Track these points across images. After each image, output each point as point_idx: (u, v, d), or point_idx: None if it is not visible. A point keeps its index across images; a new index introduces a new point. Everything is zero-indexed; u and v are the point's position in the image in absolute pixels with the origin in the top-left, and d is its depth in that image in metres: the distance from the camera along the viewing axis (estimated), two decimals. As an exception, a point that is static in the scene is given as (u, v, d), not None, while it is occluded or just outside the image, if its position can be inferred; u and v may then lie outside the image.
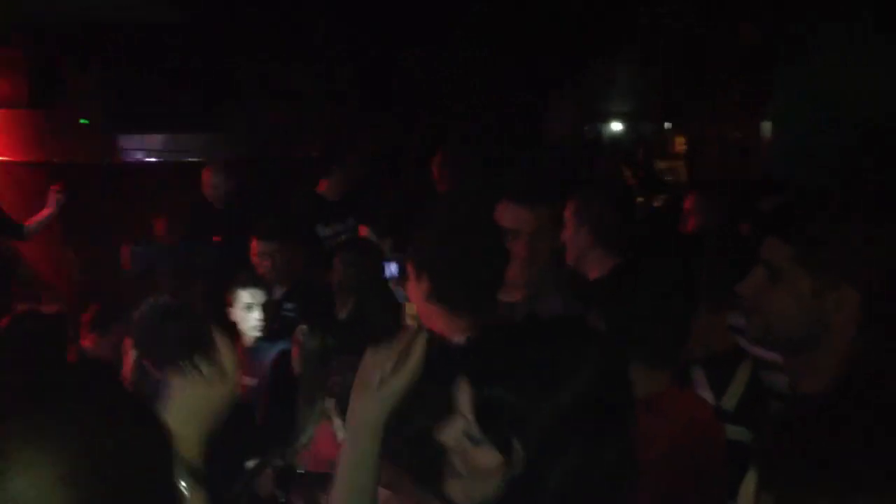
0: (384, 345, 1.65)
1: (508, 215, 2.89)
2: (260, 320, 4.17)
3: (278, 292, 4.47)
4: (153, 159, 7.23)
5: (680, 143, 10.39)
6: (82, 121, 6.66)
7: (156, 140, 7.21)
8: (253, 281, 4.30)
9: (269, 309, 4.21)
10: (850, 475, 0.86)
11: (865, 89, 5.86)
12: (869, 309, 1.71)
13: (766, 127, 7.11)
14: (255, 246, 4.61)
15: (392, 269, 2.77)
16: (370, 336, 2.81)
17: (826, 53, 6.07)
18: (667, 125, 10.79)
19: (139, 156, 7.18)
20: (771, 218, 1.95)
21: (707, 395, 2.39)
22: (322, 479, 2.00)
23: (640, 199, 9.51)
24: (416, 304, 2.36)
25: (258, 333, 4.18)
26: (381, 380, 1.61)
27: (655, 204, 9.47)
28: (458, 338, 2.20)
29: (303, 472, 2.41)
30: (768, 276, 1.76)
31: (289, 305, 4.43)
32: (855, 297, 1.69)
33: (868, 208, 1.82)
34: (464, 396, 1.46)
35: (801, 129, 6.21)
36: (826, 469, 0.88)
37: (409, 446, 1.72)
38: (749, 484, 0.98)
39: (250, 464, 2.45)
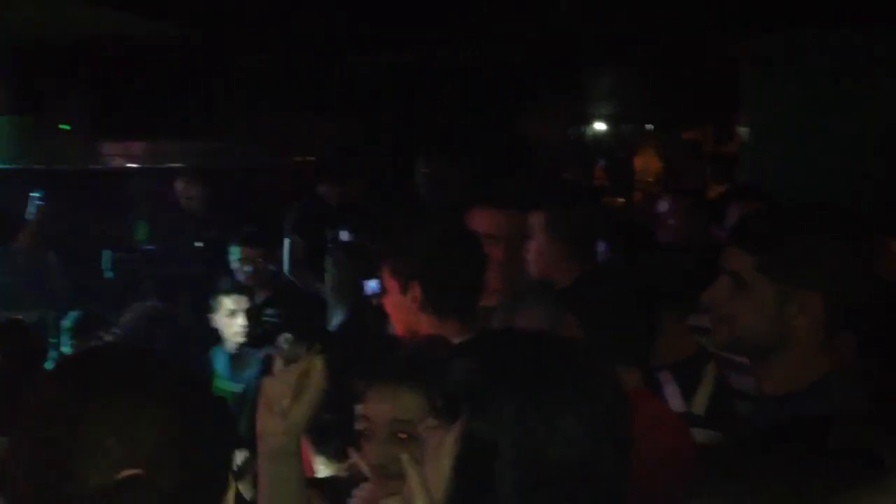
0: (281, 374, 1.62)
1: (485, 220, 2.87)
2: (243, 326, 4.20)
3: (259, 298, 4.49)
4: (135, 165, 7.23)
5: (660, 145, 10.44)
6: (63, 126, 6.66)
7: (138, 146, 7.21)
8: (235, 287, 4.32)
9: (251, 315, 4.24)
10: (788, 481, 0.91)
11: (853, 95, 5.89)
12: (833, 313, 1.75)
13: (746, 130, 7.17)
14: (237, 252, 4.63)
15: (372, 285, 2.78)
16: (357, 346, 2.82)
17: (808, 58, 6.10)
18: (648, 126, 10.84)
19: (121, 162, 7.18)
20: (733, 228, 1.99)
21: (676, 399, 2.44)
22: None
23: (620, 200, 9.57)
24: (401, 316, 2.37)
25: (242, 339, 4.20)
26: (283, 410, 1.58)
27: (633, 204, 9.51)
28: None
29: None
30: (732, 285, 1.79)
31: (270, 311, 4.46)
32: (818, 300, 1.73)
33: (827, 215, 1.85)
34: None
35: (782, 133, 6.25)
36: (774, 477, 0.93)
37: None
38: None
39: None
